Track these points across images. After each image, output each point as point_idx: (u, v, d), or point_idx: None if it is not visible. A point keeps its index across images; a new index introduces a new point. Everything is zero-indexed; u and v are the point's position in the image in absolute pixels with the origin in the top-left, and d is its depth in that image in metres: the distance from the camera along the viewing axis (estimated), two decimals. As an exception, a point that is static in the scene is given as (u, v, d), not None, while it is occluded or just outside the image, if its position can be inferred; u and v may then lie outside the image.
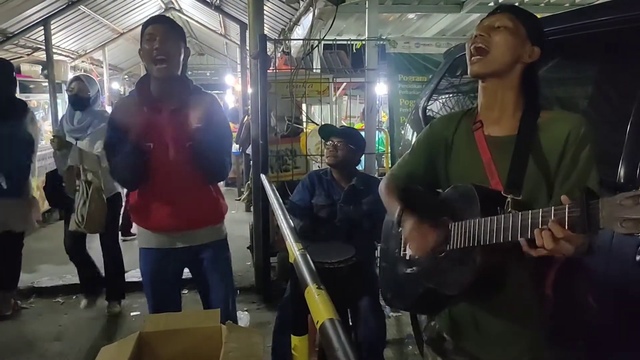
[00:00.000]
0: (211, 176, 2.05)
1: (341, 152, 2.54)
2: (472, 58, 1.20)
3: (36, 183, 5.69)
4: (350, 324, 2.40)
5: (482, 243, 1.05)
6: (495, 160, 1.19)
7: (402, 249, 1.37)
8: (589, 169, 1.11)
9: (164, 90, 1.89)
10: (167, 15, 10.95)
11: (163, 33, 1.80)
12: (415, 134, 3.15)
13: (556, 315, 1.17)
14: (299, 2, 5.24)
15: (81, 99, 3.21)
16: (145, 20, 1.92)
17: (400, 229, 1.32)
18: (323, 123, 4.17)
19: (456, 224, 1.14)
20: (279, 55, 6.33)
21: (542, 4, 5.34)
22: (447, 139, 1.33)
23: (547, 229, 0.90)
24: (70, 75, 9.70)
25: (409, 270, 1.33)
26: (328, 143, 2.61)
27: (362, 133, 3.32)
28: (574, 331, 1.23)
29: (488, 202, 1.08)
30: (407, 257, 1.34)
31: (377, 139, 4.23)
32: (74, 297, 3.85)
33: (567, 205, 0.87)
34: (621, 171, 1.45)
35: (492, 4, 5.24)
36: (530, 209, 0.98)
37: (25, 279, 3.99)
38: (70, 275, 4.13)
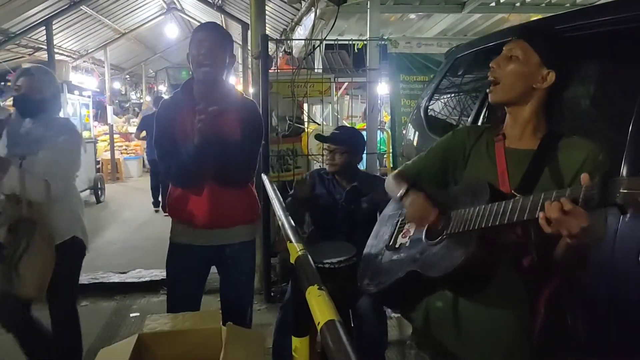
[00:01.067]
0: (226, 177, 2.01)
1: (339, 159, 2.52)
2: (490, 87, 1.27)
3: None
4: (352, 324, 2.39)
5: (483, 226, 1.08)
6: (509, 171, 1.23)
7: (392, 238, 1.42)
8: None
9: (206, 93, 1.95)
10: (168, 15, 11.00)
11: (211, 40, 1.87)
12: (417, 133, 3.14)
13: (543, 331, 1.17)
14: (300, 2, 5.24)
15: (30, 102, 2.21)
16: (199, 25, 2.00)
17: (400, 212, 1.40)
18: (324, 123, 4.17)
19: (459, 211, 1.19)
20: (280, 55, 6.34)
21: (543, 4, 5.33)
22: (466, 149, 1.37)
23: (557, 202, 0.95)
24: (72, 75, 9.73)
25: (394, 257, 1.37)
26: (326, 147, 2.60)
27: (364, 132, 3.29)
28: (558, 350, 1.22)
29: (497, 197, 1.12)
30: (397, 245, 1.38)
31: (379, 138, 4.22)
32: (74, 298, 3.84)
33: (584, 185, 0.93)
34: (623, 171, 1.45)
35: (493, 4, 5.24)
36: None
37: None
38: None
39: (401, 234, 1.41)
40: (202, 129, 1.83)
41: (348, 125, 2.87)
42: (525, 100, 1.24)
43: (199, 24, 10.46)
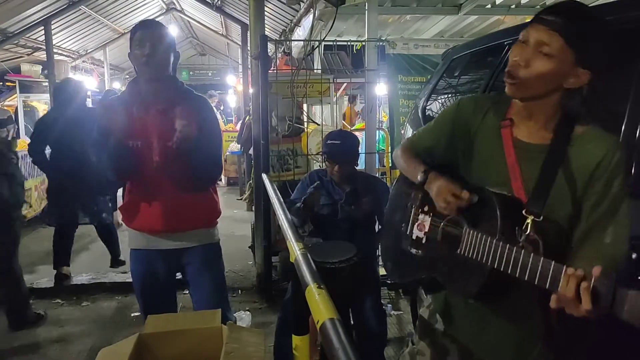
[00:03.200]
0: (196, 181, 1.96)
1: (340, 169, 2.54)
2: (506, 79, 1.11)
3: (34, 183, 5.73)
4: (352, 322, 2.41)
5: (493, 265, 1.03)
6: (520, 165, 1.14)
7: (408, 226, 1.35)
8: (621, 199, 1.06)
9: (152, 91, 1.91)
10: (168, 16, 10.99)
11: (152, 38, 1.82)
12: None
13: (554, 337, 1.15)
14: (299, 4, 5.25)
15: None
16: (137, 25, 1.92)
17: (411, 200, 1.32)
18: (323, 123, 4.19)
19: (471, 232, 1.12)
20: (279, 55, 6.35)
21: (538, 6, 5.34)
22: (472, 126, 1.26)
23: (569, 289, 0.89)
24: (71, 75, 9.70)
25: (414, 252, 1.32)
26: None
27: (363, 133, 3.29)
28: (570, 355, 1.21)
29: (507, 218, 1.05)
30: (414, 237, 1.32)
31: (377, 137, 4.23)
32: (74, 298, 3.86)
33: (594, 280, 0.86)
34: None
35: (489, 6, 5.25)
36: (548, 231, 0.98)
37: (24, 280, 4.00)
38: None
39: (416, 225, 1.33)
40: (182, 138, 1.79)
41: (343, 131, 2.78)
42: (547, 98, 1.11)
43: (199, 24, 10.43)
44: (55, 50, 8.12)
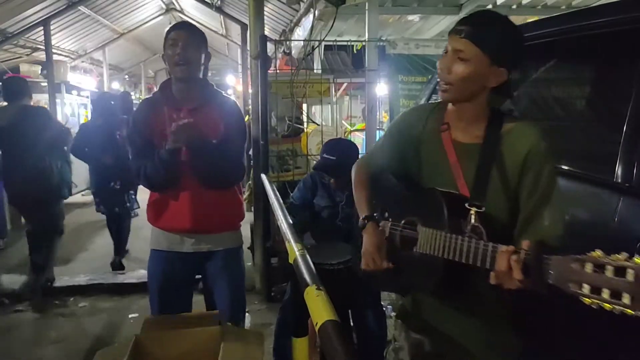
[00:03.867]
0: (215, 180, 1.96)
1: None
2: (440, 86, 1.25)
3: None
4: (352, 324, 2.39)
5: (445, 257, 1.14)
6: (461, 164, 1.25)
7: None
8: (552, 187, 1.17)
9: (184, 91, 1.94)
10: (168, 16, 10.99)
11: (185, 38, 1.86)
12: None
13: (511, 299, 1.25)
14: (299, 3, 5.24)
15: None
16: (171, 26, 1.98)
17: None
18: (323, 124, 4.17)
19: (425, 230, 1.23)
20: (279, 55, 6.33)
21: (540, 6, 5.34)
22: (417, 134, 1.37)
23: (503, 262, 1.00)
24: (70, 75, 9.72)
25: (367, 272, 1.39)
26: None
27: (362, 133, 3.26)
28: (527, 312, 1.33)
29: (454, 212, 1.17)
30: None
31: (378, 137, 4.23)
32: (71, 299, 3.84)
33: (523, 251, 0.98)
34: (618, 170, 1.45)
35: (490, 6, 5.24)
36: (493, 220, 1.11)
37: (20, 281, 3.98)
38: (67, 276, 4.14)
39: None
40: (176, 137, 1.79)
41: (340, 142, 2.61)
42: (475, 98, 1.23)
43: (199, 24, 10.48)
44: (54, 51, 8.12)
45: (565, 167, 1.65)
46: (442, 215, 1.17)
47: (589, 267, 0.83)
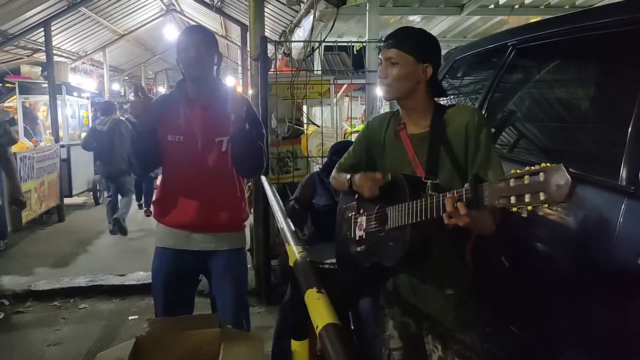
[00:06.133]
0: (250, 167, 2.08)
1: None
2: (382, 89, 1.51)
3: (33, 185, 5.72)
4: (352, 327, 2.38)
5: (410, 222, 1.32)
6: (418, 154, 1.47)
7: (352, 231, 1.63)
8: (489, 147, 1.41)
9: (198, 90, 2.00)
10: (168, 17, 11.00)
11: (198, 40, 1.94)
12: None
13: (475, 276, 1.46)
14: (299, 4, 5.24)
15: None
16: (183, 30, 2.09)
17: (349, 205, 1.64)
18: (323, 125, 4.16)
19: (392, 207, 1.41)
20: (279, 56, 6.33)
21: (542, 6, 5.33)
22: (380, 137, 1.61)
23: (449, 202, 1.18)
24: (70, 77, 9.72)
25: (358, 249, 1.59)
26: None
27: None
28: (491, 288, 1.54)
29: (413, 187, 1.37)
30: (357, 238, 1.60)
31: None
32: (71, 301, 3.83)
33: (463, 189, 1.16)
34: (623, 172, 1.43)
35: (492, 6, 5.24)
36: (447, 190, 1.25)
37: (21, 282, 3.98)
38: (67, 278, 4.13)
39: (357, 226, 1.61)
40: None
41: (347, 142, 2.63)
42: (413, 94, 1.47)
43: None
44: (55, 52, 8.11)
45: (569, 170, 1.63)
46: (404, 193, 1.36)
47: (512, 182, 1.01)
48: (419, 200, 1.30)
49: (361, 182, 1.52)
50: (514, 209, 1.00)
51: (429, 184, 1.36)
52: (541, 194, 0.95)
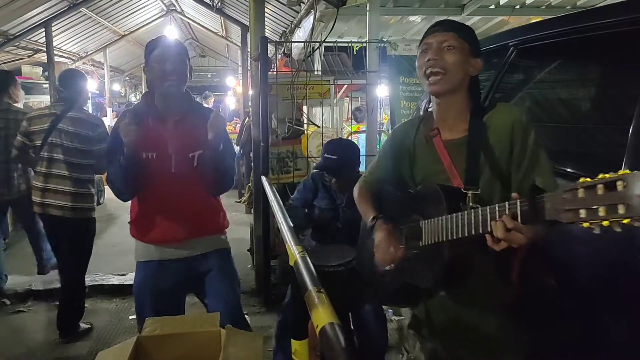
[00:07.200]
0: (219, 185, 2.05)
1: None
2: (430, 79, 1.32)
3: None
4: (352, 327, 2.38)
5: (449, 238, 1.16)
6: (454, 162, 1.33)
7: None
8: (538, 152, 1.25)
9: (169, 104, 1.96)
10: (168, 17, 11.00)
11: (174, 54, 1.90)
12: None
13: (523, 299, 1.31)
14: (300, 5, 5.24)
15: None
16: (155, 41, 2.03)
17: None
18: (324, 126, 4.16)
19: (427, 222, 1.27)
20: (279, 57, 6.33)
21: (543, 7, 5.33)
22: (409, 145, 1.46)
23: (500, 221, 1.01)
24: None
25: (387, 267, 1.43)
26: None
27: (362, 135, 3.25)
28: (542, 313, 1.38)
29: (452, 199, 1.22)
30: None
31: (379, 139, 4.21)
32: (72, 300, 3.82)
33: (517, 200, 1.00)
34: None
35: (492, 6, 5.23)
36: (488, 201, 1.14)
37: (22, 282, 3.98)
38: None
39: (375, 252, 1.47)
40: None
41: (342, 142, 2.60)
42: (461, 88, 1.34)
43: (199, 25, 10.45)
44: (55, 52, 8.11)
45: (570, 170, 1.63)
46: (441, 206, 1.22)
47: (581, 193, 0.83)
48: (460, 214, 1.14)
49: (380, 244, 1.39)
50: (585, 225, 0.83)
51: (469, 195, 1.22)
52: (620, 206, 0.77)
